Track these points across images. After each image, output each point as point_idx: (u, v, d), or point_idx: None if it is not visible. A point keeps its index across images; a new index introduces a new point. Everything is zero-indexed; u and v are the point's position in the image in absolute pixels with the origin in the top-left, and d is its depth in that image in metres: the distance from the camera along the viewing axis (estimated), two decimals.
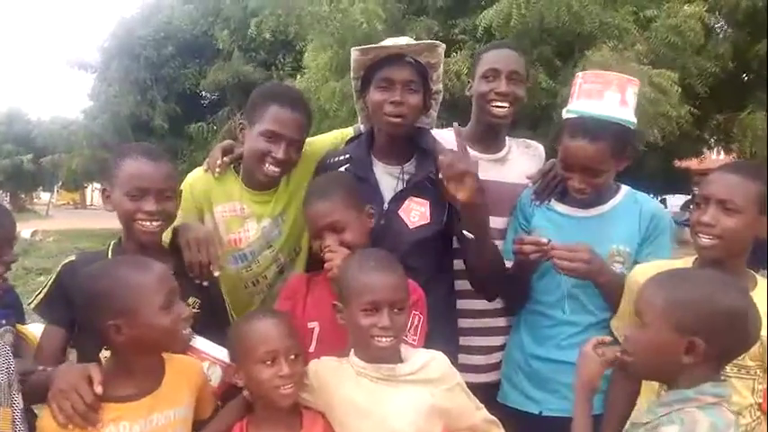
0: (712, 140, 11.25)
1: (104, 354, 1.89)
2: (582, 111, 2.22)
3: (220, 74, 14.03)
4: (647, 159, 9.73)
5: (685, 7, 6.87)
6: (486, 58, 2.57)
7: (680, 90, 6.84)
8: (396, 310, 1.80)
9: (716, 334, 1.53)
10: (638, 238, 2.24)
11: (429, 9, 8.27)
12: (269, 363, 1.80)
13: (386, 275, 1.83)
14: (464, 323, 2.52)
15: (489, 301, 2.50)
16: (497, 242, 2.41)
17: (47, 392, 1.68)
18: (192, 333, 1.90)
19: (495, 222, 2.41)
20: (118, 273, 1.77)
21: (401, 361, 1.86)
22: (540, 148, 2.80)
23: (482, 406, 1.97)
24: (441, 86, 2.50)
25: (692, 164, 16.13)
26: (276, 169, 2.37)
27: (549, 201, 2.36)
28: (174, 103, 15.85)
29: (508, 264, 2.37)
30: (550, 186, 2.35)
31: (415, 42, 2.46)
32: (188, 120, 15.05)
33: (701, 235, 1.91)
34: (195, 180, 2.54)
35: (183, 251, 2.16)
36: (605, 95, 2.20)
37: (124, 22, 16.69)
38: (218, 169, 2.49)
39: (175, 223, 2.24)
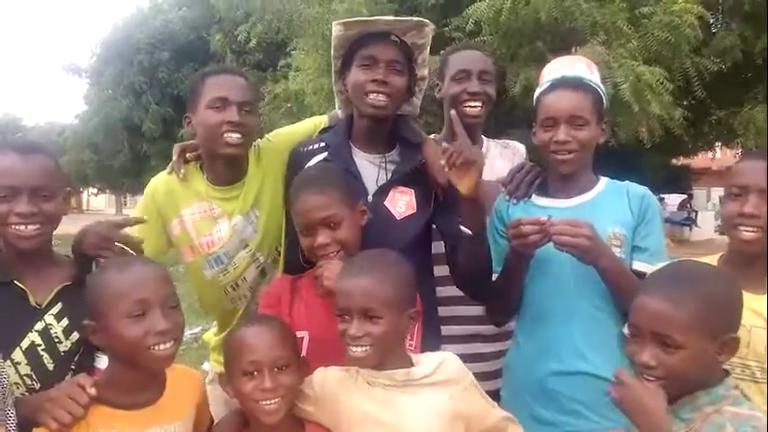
0: (711, 136, 11.19)
1: None
2: (556, 77, 2.23)
3: None
4: (644, 157, 9.68)
5: (679, 3, 6.78)
6: (454, 59, 2.61)
7: (671, 90, 6.75)
8: (372, 318, 1.67)
9: (737, 322, 1.52)
10: (631, 220, 2.12)
11: (421, 7, 8.20)
12: (251, 375, 1.68)
13: (359, 280, 1.70)
14: (458, 330, 2.45)
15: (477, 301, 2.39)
16: None
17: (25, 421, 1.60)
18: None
19: None
20: (104, 271, 1.69)
21: (413, 365, 1.75)
22: (519, 147, 2.77)
23: (495, 403, 1.88)
24: (426, 72, 2.39)
25: (692, 162, 16.12)
26: (236, 135, 2.21)
27: (528, 197, 2.25)
28: (167, 107, 15.84)
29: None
30: (525, 182, 2.26)
31: (402, 19, 2.33)
32: (181, 123, 15.01)
33: (742, 228, 1.81)
34: (158, 184, 2.41)
35: (94, 255, 1.92)
36: (575, 66, 2.28)
37: (119, 27, 16.73)
38: (182, 170, 2.36)
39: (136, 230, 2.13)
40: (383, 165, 2.29)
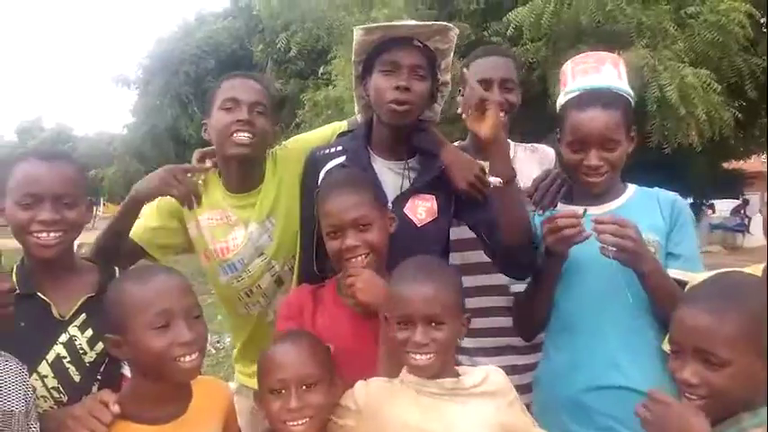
0: (763, 139, 10.79)
1: None
2: (584, 86, 2.13)
3: None
4: (694, 161, 9.39)
5: (725, 2, 6.55)
6: (475, 67, 2.51)
7: (719, 91, 6.51)
8: (436, 325, 1.63)
9: None
10: (664, 226, 2.02)
11: (461, 12, 8.12)
12: (278, 393, 1.64)
13: (420, 286, 1.65)
14: (490, 342, 2.40)
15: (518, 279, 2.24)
16: None
17: None
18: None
19: None
20: (123, 281, 1.66)
21: (459, 375, 1.71)
22: (548, 152, 2.68)
23: (534, 421, 1.82)
24: (449, 77, 2.33)
25: (744, 165, 15.56)
26: (246, 134, 2.20)
27: (554, 207, 2.15)
28: None
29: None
30: (551, 192, 2.17)
31: (425, 24, 2.26)
32: None
33: None
34: None
35: (169, 192, 2.16)
36: (602, 69, 2.17)
37: (165, 38, 17.07)
38: (202, 176, 2.36)
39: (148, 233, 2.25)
40: (405, 173, 2.23)
